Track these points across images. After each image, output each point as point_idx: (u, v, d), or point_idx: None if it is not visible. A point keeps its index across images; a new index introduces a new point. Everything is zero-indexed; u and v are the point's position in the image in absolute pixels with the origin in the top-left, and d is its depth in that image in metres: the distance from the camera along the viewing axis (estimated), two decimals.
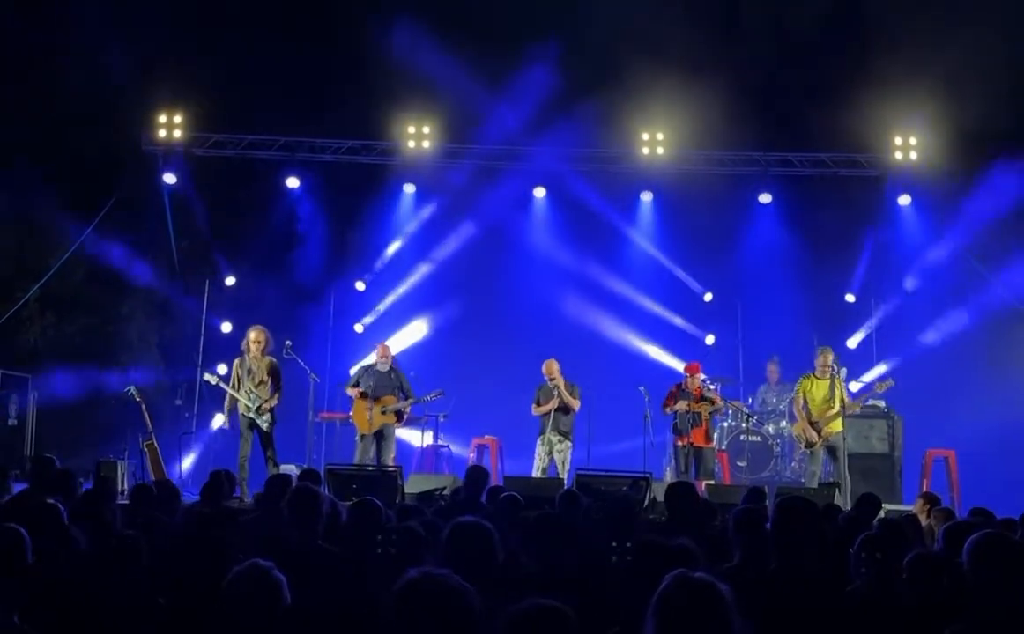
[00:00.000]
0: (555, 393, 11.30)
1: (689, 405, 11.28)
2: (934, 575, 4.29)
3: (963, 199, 13.07)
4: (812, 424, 10.87)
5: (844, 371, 11.18)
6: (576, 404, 11.43)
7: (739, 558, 4.46)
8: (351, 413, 11.78)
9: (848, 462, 10.84)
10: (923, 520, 7.12)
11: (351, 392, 11.60)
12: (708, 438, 11.45)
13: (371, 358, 12.34)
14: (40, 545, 4.15)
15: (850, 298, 14.52)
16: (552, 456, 11.33)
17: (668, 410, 11.50)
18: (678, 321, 14.89)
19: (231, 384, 11.07)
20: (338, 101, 14.38)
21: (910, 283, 14.29)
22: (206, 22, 13.76)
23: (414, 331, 14.84)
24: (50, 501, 5.08)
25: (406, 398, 11.61)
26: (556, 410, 11.30)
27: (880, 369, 13.69)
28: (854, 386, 12.56)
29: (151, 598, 4.00)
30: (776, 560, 4.29)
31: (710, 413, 11.51)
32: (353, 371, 12.51)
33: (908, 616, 4.15)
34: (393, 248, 15.18)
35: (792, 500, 4.49)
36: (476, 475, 7.97)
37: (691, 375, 11.45)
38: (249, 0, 14.16)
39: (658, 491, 9.37)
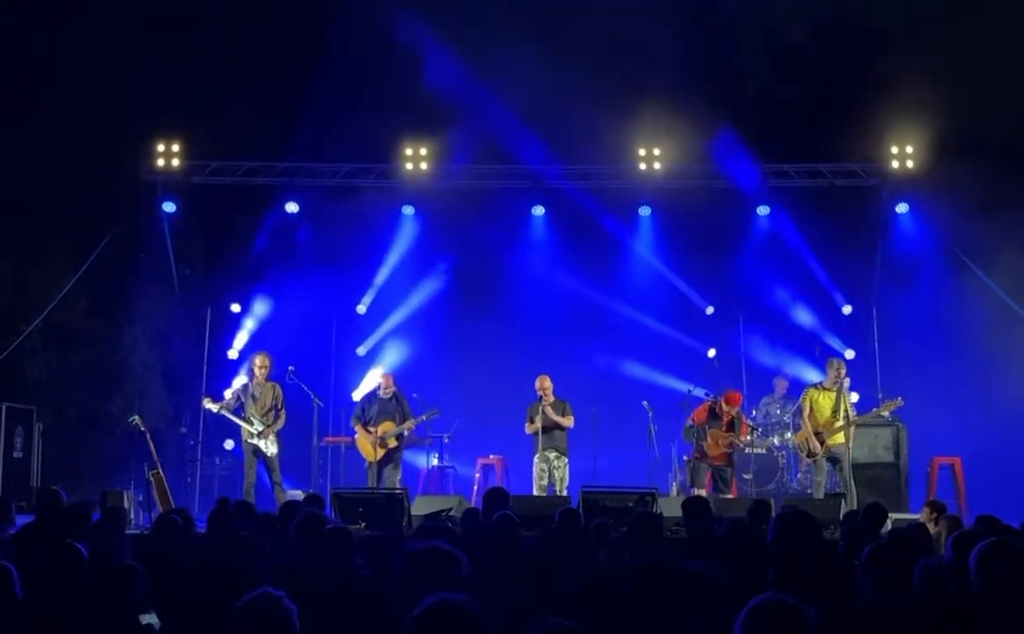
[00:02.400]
0: (542, 409, 11.30)
1: (716, 437, 11.23)
2: (943, 584, 4.28)
3: (962, 206, 13.06)
4: (816, 435, 10.86)
5: (848, 382, 11.17)
6: (567, 421, 11.41)
7: None
8: (356, 440, 11.88)
9: (853, 472, 10.83)
10: (931, 528, 7.12)
11: (357, 427, 11.79)
12: (730, 462, 11.45)
13: (372, 384, 12.48)
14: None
15: (847, 309, 14.51)
16: (551, 474, 11.32)
17: (693, 423, 11.44)
18: (680, 335, 14.85)
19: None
20: (336, 125, 14.45)
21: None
22: (203, 51, 13.84)
23: (416, 352, 14.82)
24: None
25: (403, 421, 11.70)
26: (551, 427, 11.29)
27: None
28: (853, 396, 12.52)
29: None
30: (775, 571, 4.29)
31: (728, 444, 11.45)
32: (357, 399, 12.59)
33: (917, 626, 4.15)
34: (393, 270, 15.18)
35: (792, 514, 4.47)
36: (494, 496, 7.93)
37: (728, 405, 11.26)
38: (246, 27, 14.25)
39: (664, 506, 9.37)
